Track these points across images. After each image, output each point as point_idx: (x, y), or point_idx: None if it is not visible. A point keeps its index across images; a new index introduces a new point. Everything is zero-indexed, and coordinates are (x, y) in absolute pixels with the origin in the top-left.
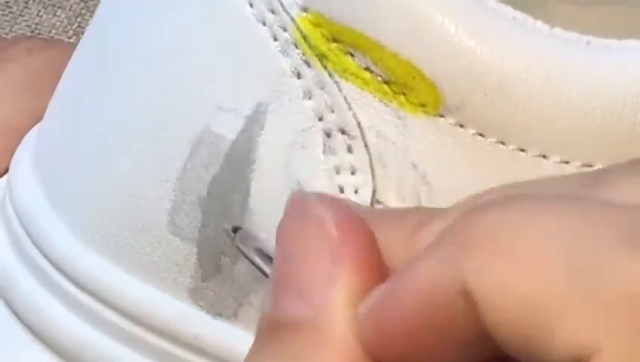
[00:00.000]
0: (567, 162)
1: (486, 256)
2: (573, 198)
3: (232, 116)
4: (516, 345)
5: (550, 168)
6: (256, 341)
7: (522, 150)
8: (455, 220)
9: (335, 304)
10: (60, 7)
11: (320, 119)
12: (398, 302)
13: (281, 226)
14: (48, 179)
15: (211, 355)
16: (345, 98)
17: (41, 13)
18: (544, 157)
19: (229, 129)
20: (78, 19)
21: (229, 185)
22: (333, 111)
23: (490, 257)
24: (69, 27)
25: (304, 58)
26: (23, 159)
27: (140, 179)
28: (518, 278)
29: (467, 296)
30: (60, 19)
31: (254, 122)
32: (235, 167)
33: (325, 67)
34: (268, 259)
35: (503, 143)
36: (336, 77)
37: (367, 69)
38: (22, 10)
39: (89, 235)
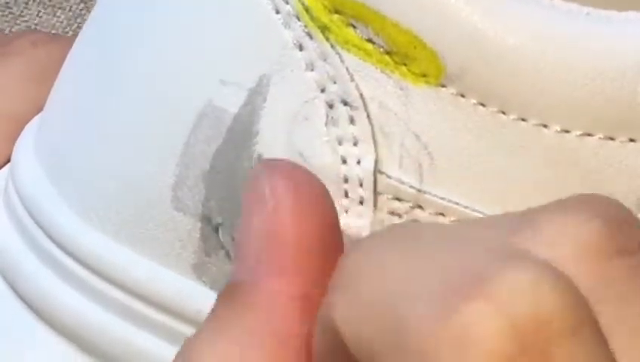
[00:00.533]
0: (567, 131)
1: (336, 289)
2: (428, 233)
3: (235, 89)
4: None
5: (551, 137)
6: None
7: (523, 119)
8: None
9: (265, 272)
10: (59, 8)
11: (322, 91)
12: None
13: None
14: (50, 160)
15: None
16: (347, 69)
17: (40, 14)
18: (545, 126)
19: (232, 102)
20: (78, 20)
21: (232, 158)
22: (335, 83)
23: (337, 292)
24: (68, 28)
25: (306, 30)
26: (25, 145)
27: (143, 156)
28: (353, 315)
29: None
30: (60, 19)
31: (257, 95)
32: (238, 139)
33: (327, 39)
34: None
35: (503, 113)
36: (339, 48)
37: (368, 40)
38: (22, 11)
39: (92, 214)
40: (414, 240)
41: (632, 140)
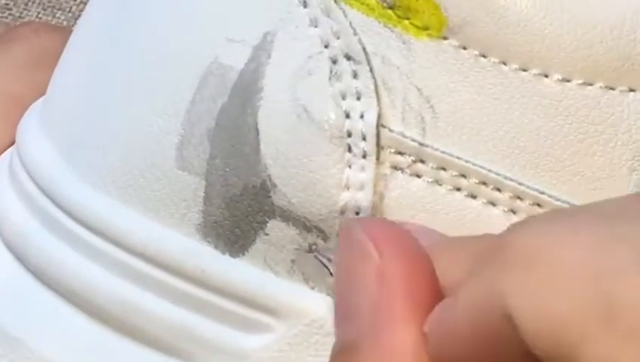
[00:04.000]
0: (568, 80)
1: (519, 277)
2: (609, 216)
3: (240, 46)
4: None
5: (551, 87)
6: None
7: (524, 69)
8: (494, 240)
9: (383, 325)
10: (59, 9)
11: (326, 46)
12: (452, 324)
13: (338, 258)
14: (56, 129)
15: (218, 289)
16: (350, 24)
17: (40, 15)
18: (545, 75)
19: (237, 59)
20: (78, 21)
21: (237, 115)
22: (338, 38)
23: (522, 279)
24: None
25: None
26: (29, 122)
27: (148, 117)
28: (549, 300)
29: (509, 318)
30: (60, 20)
31: (261, 51)
32: (243, 96)
33: None
34: None
35: (504, 63)
36: (342, 4)
37: None
38: (21, 12)
39: (98, 178)
40: (584, 218)
41: (631, 90)
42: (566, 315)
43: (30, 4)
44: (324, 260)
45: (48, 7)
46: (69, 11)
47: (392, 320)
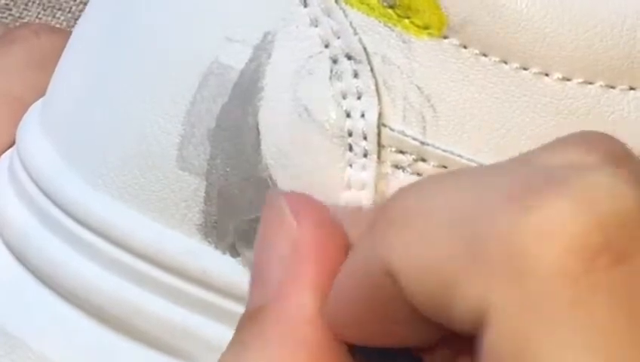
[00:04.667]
0: (568, 79)
1: (396, 232)
2: (479, 171)
3: (240, 46)
4: (433, 311)
5: (552, 85)
6: (235, 333)
7: (524, 68)
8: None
9: (289, 291)
10: (59, 9)
11: (326, 46)
12: (342, 288)
13: (259, 226)
14: (56, 130)
15: (219, 290)
16: (351, 24)
17: (40, 15)
18: (546, 74)
19: (238, 59)
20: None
21: (237, 115)
22: (339, 38)
23: (399, 233)
24: (68, 29)
25: None
26: (29, 122)
27: (148, 117)
28: (422, 249)
29: (390, 274)
30: (60, 21)
31: (262, 51)
32: (244, 96)
33: None
34: None
35: (505, 62)
36: (342, 4)
37: None
38: (21, 12)
39: (99, 178)
40: (474, 173)
41: (632, 88)
42: (437, 262)
43: (30, 4)
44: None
45: (48, 7)
46: (69, 11)
47: (297, 287)
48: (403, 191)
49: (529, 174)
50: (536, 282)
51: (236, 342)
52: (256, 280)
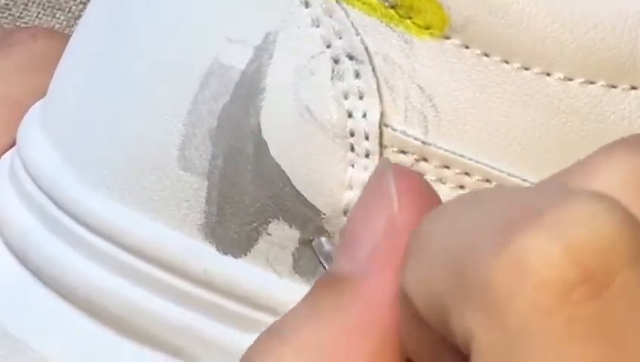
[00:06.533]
0: (570, 79)
1: (410, 257)
2: (491, 191)
3: (242, 47)
4: (445, 334)
5: (553, 85)
6: (309, 290)
7: (526, 68)
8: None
9: (374, 271)
10: (59, 9)
11: (328, 46)
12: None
13: (364, 187)
14: (57, 131)
15: (220, 290)
16: (352, 24)
17: (40, 15)
18: (547, 74)
19: (239, 60)
20: (77, 21)
21: (239, 115)
22: (340, 38)
23: (411, 258)
24: (68, 29)
25: None
26: (30, 124)
27: (150, 117)
28: (425, 275)
29: (408, 297)
30: (59, 20)
31: (263, 51)
32: (245, 96)
33: None
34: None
35: (507, 62)
36: (344, 4)
37: None
38: (21, 12)
39: (100, 179)
40: (476, 199)
41: (633, 88)
42: (436, 290)
43: (30, 4)
44: (321, 255)
45: (48, 7)
46: (69, 11)
47: (383, 270)
48: (426, 216)
49: (516, 204)
50: (513, 319)
51: (312, 302)
52: (345, 246)
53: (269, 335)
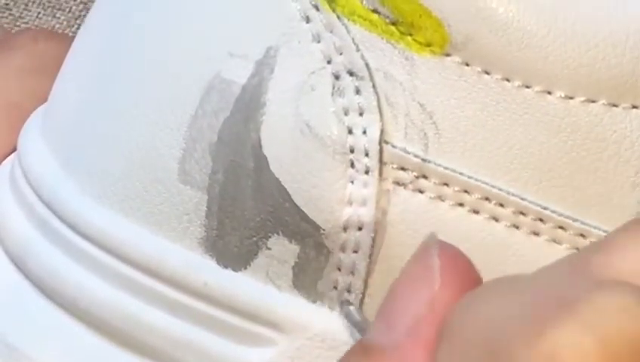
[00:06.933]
0: (571, 97)
1: (441, 343)
2: (521, 278)
3: (243, 61)
4: None
5: (554, 103)
6: (343, 357)
7: (527, 86)
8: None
9: (410, 348)
10: (59, 9)
11: (329, 62)
12: None
13: (408, 262)
14: (57, 141)
15: (220, 303)
16: (353, 40)
17: (40, 15)
18: (549, 93)
19: (240, 74)
20: (78, 21)
21: (239, 130)
22: (341, 54)
23: (442, 344)
24: (68, 29)
25: (313, 2)
26: (30, 131)
27: (151, 131)
28: (457, 360)
29: None
30: (60, 20)
31: (264, 66)
32: (246, 110)
33: (334, 10)
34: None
35: (507, 80)
36: (345, 20)
37: (374, 10)
38: (21, 12)
39: (100, 191)
40: (509, 287)
41: (634, 107)
42: None
43: (30, 4)
44: (354, 325)
45: (48, 7)
46: (69, 11)
47: (418, 348)
48: (458, 303)
49: (548, 293)
50: None
51: None
52: (383, 314)
53: None
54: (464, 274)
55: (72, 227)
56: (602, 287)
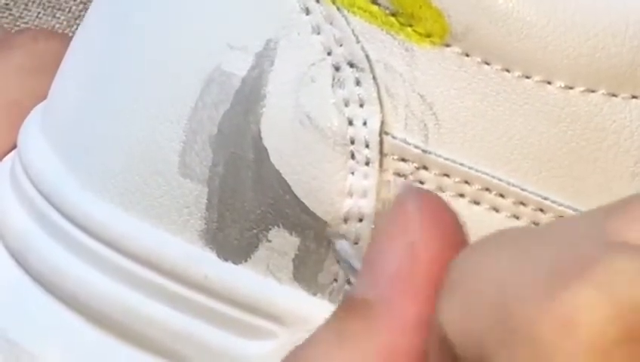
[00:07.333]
0: (571, 87)
1: (446, 296)
2: (530, 233)
3: (243, 54)
4: None
5: (554, 93)
6: (331, 315)
7: (527, 76)
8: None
9: (397, 295)
10: (59, 9)
11: (329, 53)
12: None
13: (388, 210)
14: (57, 136)
15: (221, 296)
16: (353, 32)
17: (40, 15)
18: (548, 82)
19: (240, 67)
20: (78, 21)
21: (239, 122)
22: (341, 46)
23: (448, 298)
24: (68, 29)
25: None
26: (30, 127)
27: (151, 124)
28: (463, 316)
29: (443, 335)
30: (60, 20)
31: (264, 58)
32: (246, 103)
33: (333, 2)
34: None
35: (507, 71)
36: (345, 11)
37: (374, 2)
38: (21, 12)
39: (101, 185)
40: (514, 239)
41: (634, 97)
42: (474, 332)
43: (30, 4)
44: (344, 261)
45: (48, 7)
46: (69, 11)
47: (404, 296)
48: (462, 253)
49: (562, 253)
50: None
51: (339, 328)
52: (367, 266)
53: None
54: (443, 219)
55: (73, 221)
56: (617, 250)
